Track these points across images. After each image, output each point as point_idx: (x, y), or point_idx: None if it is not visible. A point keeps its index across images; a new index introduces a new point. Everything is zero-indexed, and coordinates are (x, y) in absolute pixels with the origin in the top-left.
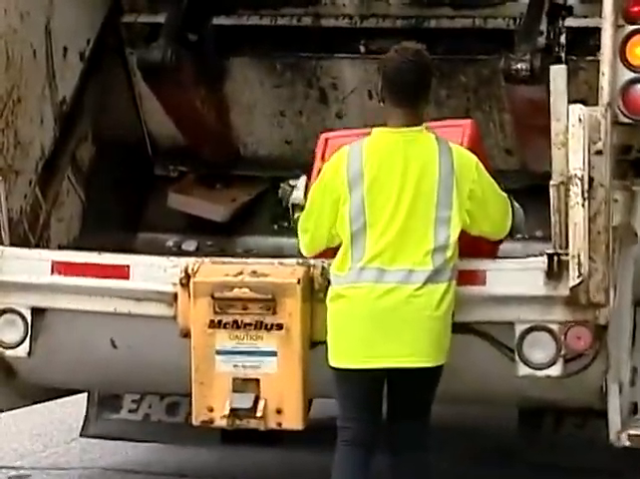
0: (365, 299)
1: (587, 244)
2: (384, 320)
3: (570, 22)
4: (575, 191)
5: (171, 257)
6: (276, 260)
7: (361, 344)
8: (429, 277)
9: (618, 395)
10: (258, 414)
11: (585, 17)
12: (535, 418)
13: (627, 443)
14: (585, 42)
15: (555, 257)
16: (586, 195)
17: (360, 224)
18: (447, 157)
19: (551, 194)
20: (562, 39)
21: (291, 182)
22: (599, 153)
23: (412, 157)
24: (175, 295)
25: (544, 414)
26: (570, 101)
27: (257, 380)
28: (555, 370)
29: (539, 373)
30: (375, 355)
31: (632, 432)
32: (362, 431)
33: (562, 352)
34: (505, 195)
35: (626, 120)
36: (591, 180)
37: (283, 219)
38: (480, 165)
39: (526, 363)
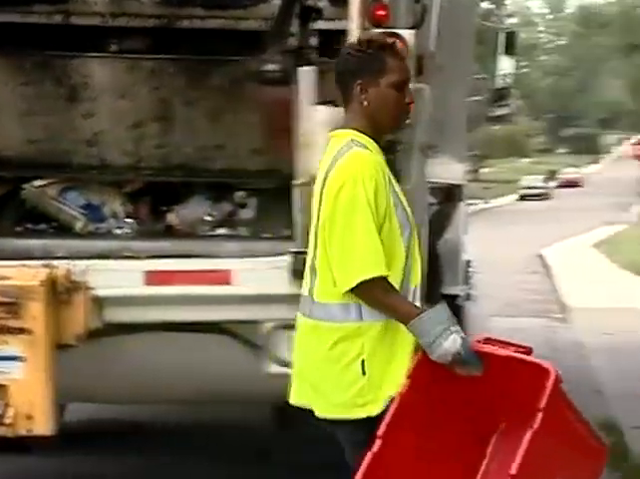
0: None
1: None
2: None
3: (321, 24)
4: None
5: None
6: (19, 263)
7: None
8: (306, 306)
9: None
10: (7, 421)
11: (335, 20)
12: (289, 416)
13: None
14: (335, 44)
15: (300, 256)
16: None
17: None
18: (333, 166)
19: (295, 194)
20: (313, 41)
21: (35, 182)
22: None
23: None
24: None
25: (298, 411)
26: (321, 102)
27: (5, 386)
28: None
29: (289, 370)
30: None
31: None
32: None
33: None
34: (368, 256)
35: None
36: None
37: (28, 220)
38: (345, 196)
39: (276, 361)
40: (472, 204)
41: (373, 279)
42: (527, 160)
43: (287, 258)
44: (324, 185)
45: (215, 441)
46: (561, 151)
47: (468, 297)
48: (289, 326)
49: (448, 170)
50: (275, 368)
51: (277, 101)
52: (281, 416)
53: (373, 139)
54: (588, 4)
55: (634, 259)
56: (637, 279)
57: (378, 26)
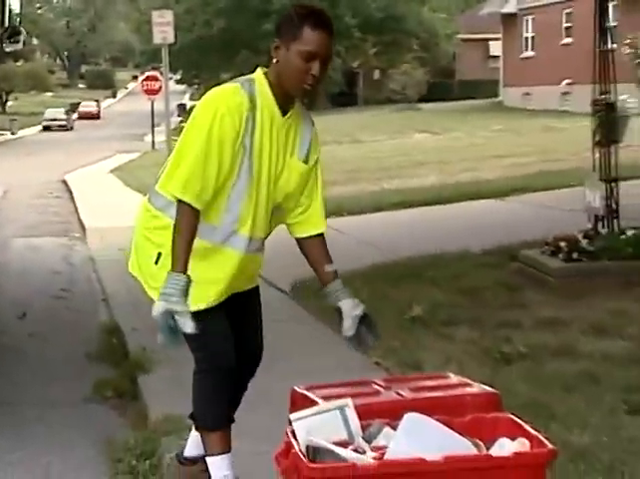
0: None
1: None
2: None
3: None
4: None
5: None
6: None
7: None
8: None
9: None
10: None
11: None
12: None
13: None
14: None
15: None
16: None
17: None
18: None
19: None
20: None
21: None
22: None
23: None
24: None
25: None
26: None
27: None
28: None
29: None
30: None
31: None
32: None
33: None
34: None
35: None
36: None
37: None
38: (199, 116)
39: None
40: None
41: (185, 202)
42: (50, 94)
43: None
44: None
45: None
46: (80, 86)
47: None
48: None
49: None
50: None
51: None
52: None
53: (282, 92)
54: None
55: (145, 183)
56: None
57: None
